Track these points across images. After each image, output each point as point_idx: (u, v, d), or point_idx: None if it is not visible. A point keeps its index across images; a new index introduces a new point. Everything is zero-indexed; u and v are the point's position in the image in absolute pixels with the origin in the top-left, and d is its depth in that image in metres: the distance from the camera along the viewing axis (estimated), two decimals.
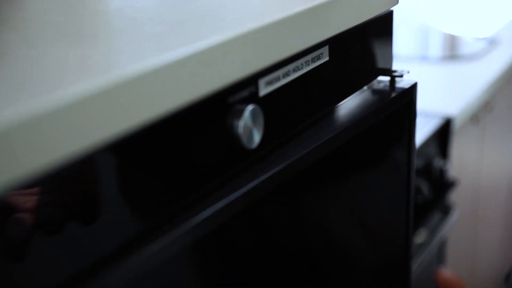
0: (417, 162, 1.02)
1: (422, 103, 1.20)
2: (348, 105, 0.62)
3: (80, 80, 0.33)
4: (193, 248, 0.44)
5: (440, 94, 1.31)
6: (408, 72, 0.66)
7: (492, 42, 1.65)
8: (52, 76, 0.35)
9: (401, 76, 0.66)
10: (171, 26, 0.46)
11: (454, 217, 1.09)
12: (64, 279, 0.35)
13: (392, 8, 0.65)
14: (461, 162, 1.27)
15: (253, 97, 0.48)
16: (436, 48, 1.77)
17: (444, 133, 1.11)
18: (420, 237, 1.00)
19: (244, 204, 0.47)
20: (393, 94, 0.66)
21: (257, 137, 0.48)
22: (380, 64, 0.66)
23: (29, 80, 0.34)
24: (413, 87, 0.67)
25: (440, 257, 1.12)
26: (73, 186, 0.35)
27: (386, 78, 0.67)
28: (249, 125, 0.47)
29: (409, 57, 1.60)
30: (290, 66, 0.52)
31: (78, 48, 0.40)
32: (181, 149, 0.42)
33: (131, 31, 0.45)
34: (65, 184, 0.34)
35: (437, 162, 1.09)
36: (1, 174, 0.29)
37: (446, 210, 1.08)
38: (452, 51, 1.71)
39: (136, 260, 0.38)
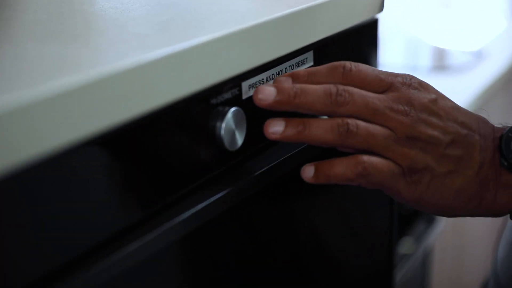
0: None
1: None
2: None
3: (59, 77, 0.32)
4: (175, 247, 0.44)
5: None
6: None
7: (479, 55, 1.66)
8: (32, 72, 0.35)
9: None
10: (155, 27, 0.46)
11: (440, 226, 1.09)
12: (48, 271, 0.34)
13: (377, 16, 0.65)
14: None
15: (236, 100, 0.48)
16: (425, 58, 1.78)
17: None
18: (405, 246, 1.00)
19: (227, 206, 0.47)
20: None
21: (239, 140, 0.48)
22: None
23: (7, 76, 0.34)
24: None
25: (425, 266, 1.13)
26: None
27: None
28: (231, 127, 0.47)
29: (399, 67, 1.61)
30: (274, 70, 0.52)
31: (59, 46, 0.40)
32: (164, 148, 0.42)
33: (114, 31, 0.45)
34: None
35: None
36: None
37: (431, 220, 1.08)
38: (441, 61, 1.72)
39: (117, 256, 0.38)
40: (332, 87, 0.49)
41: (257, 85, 0.50)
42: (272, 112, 0.53)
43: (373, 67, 0.52)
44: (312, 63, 0.56)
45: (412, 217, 1.03)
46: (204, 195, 0.46)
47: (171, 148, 0.43)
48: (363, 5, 0.61)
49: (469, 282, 1.56)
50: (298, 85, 0.48)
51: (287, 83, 0.48)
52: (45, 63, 0.37)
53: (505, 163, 0.52)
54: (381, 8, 0.64)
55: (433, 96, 0.51)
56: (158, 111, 0.40)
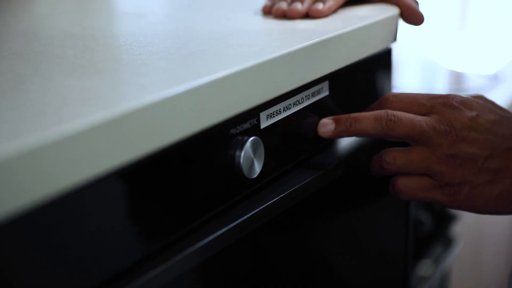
0: None
1: None
2: (348, 138, 0.64)
3: (87, 112, 0.35)
4: (194, 272, 0.46)
5: None
6: None
7: (495, 78, 1.67)
8: (59, 106, 0.37)
9: None
10: (177, 61, 0.48)
11: (458, 249, 1.10)
12: None
13: (391, 46, 0.67)
14: None
15: (255, 129, 0.50)
16: (442, 82, 1.79)
17: None
18: (423, 268, 1.01)
19: (245, 232, 0.49)
20: None
21: (257, 168, 0.50)
22: (380, 97, 0.68)
23: (37, 111, 0.36)
24: None
25: None
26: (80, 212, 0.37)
27: None
28: (250, 156, 0.49)
29: (416, 90, 1.62)
30: (291, 100, 0.54)
31: (85, 81, 0.43)
32: (185, 177, 0.44)
33: (137, 65, 0.47)
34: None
35: None
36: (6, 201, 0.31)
37: (448, 243, 1.09)
38: (458, 84, 1.73)
39: (140, 282, 0.40)
40: (382, 113, 0.55)
41: (274, 115, 0.52)
42: (288, 142, 0.55)
43: (414, 93, 0.58)
44: (327, 93, 0.58)
45: (429, 240, 1.04)
46: (223, 222, 0.47)
47: (193, 176, 0.45)
48: (377, 36, 0.63)
49: None
50: (352, 115, 0.56)
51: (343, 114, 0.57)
52: (71, 97, 0.39)
53: None
54: (394, 38, 0.66)
55: (474, 113, 0.56)
56: (180, 142, 0.42)
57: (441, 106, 0.56)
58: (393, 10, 0.65)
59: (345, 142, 0.63)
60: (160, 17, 0.73)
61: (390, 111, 0.55)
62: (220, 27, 0.62)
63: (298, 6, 0.62)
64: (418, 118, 0.55)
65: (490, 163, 0.55)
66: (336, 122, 0.56)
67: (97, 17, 0.73)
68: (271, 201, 0.51)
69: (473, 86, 1.63)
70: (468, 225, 1.28)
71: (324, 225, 0.63)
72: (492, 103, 0.59)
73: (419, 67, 1.88)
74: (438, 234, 1.07)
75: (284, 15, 0.63)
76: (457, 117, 0.55)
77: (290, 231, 0.58)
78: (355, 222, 0.67)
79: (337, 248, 0.66)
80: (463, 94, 0.59)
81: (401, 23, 0.67)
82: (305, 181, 0.54)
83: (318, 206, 0.61)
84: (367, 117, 0.55)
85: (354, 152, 0.62)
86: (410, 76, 1.80)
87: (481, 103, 0.57)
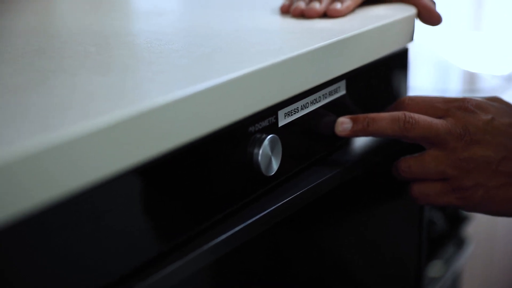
0: None
1: None
2: (364, 137, 0.64)
3: (111, 109, 0.35)
4: (212, 267, 0.47)
5: None
6: None
7: (510, 79, 1.67)
8: (88, 102, 0.38)
9: None
10: (196, 59, 0.49)
11: (469, 250, 1.10)
12: None
13: (407, 45, 0.68)
14: None
15: (273, 127, 0.50)
16: (456, 82, 1.79)
17: None
18: (434, 269, 1.01)
19: (262, 228, 0.49)
20: None
21: (275, 165, 0.50)
22: (396, 96, 0.68)
23: (64, 107, 0.37)
24: None
25: None
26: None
27: None
28: (268, 154, 0.49)
29: (430, 90, 1.62)
30: (309, 99, 0.54)
31: (108, 78, 0.43)
32: (204, 174, 0.45)
33: (159, 63, 0.48)
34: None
35: None
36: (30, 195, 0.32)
37: (460, 243, 1.09)
38: (472, 85, 1.73)
39: (159, 277, 0.41)
40: (400, 114, 0.56)
41: (292, 113, 0.52)
42: (306, 140, 0.55)
43: (430, 96, 0.59)
44: (344, 92, 0.59)
45: (441, 240, 1.04)
46: (241, 218, 0.48)
47: (212, 173, 0.45)
48: (394, 36, 0.63)
49: None
50: (370, 115, 0.56)
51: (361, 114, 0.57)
52: (96, 93, 0.40)
53: None
54: (411, 38, 0.66)
55: (489, 116, 0.56)
56: (199, 140, 0.43)
57: (457, 109, 0.57)
58: (411, 10, 0.65)
59: (362, 141, 0.64)
60: (177, 15, 0.74)
61: (407, 113, 0.56)
62: (238, 25, 0.62)
63: (316, 5, 0.63)
64: (434, 121, 0.56)
65: (505, 166, 0.56)
66: (354, 121, 0.57)
67: (116, 15, 0.73)
68: (288, 199, 0.51)
69: (487, 86, 1.63)
70: (480, 225, 1.28)
71: (338, 224, 0.63)
72: (508, 105, 0.59)
73: (433, 67, 1.88)
74: (450, 235, 1.07)
75: (302, 14, 0.64)
76: (472, 121, 0.56)
77: (304, 229, 0.59)
78: (368, 222, 0.68)
79: (350, 248, 0.66)
80: (479, 96, 0.60)
81: (418, 23, 0.67)
82: (321, 179, 0.55)
83: (333, 205, 0.61)
84: (384, 118, 0.56)
85: (371, 151, 0.62)
86: (424, 76, 1.80)
87: (496, 105, 0.58)
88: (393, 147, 0.66)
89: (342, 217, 0.64)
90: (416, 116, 0.56)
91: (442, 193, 0.57)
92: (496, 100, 0.59)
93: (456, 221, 1.09)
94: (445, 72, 1.85)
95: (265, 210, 0.49)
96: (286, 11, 0.66)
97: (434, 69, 1.87)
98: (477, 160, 0.55)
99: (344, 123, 0.57)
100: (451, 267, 1.04)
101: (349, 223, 0.65)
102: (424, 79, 1.78)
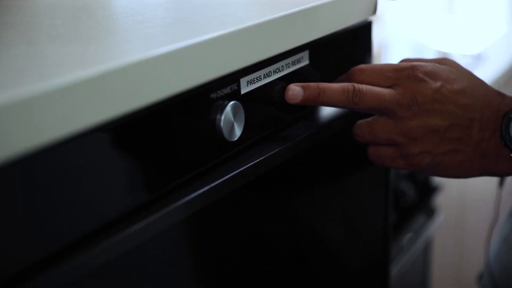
0: None
1: None
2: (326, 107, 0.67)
3: (67, 71, 0.37)
4: (176, 230, 0.49)
5: None
6: None
7: (479, 58, 1.71)
8: (45, 67, 0.39)
9: None
10: (159, 28, 0.50)
11: (439, 219, 1.13)
12: (58, 246, 0.39)
13: (370, 19, 0.70)
14: None
15: (235, 94, 0.52)
16: None
17: None
18: (404, 238, 1.04)
19: (225, 191, 0.51)
20: None
21: (238, 131, 0.52)
22: None
23: (21, 71, 0.39)
24: None
25: (425, 258, 1.16)
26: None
27: None
28: (230, 119, 0.51)
29: None
30: (271, 68, 0.56)
31: (70, 47, 0.45)
32: (166, 138, 0.46)
33: (121, 33, 0.49)
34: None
35: None
36: None
37: (430, 213, 1.12)
38: None
39: (121, 237, 0.43)
40: (349, 86, 0.57)
41: (255, 81, 0.54)
42: (269, 108, 0.57)
43: (381, 64, 0.60)
44: (307, 62, 0.61)
45: (412, 210, 1.07)
46: (205, 182, 0.50)
47: (175, 137, 0.47)
48: (356, 7, 0.65)
49: (470, 273, 1.60)
50: (321, 85, 0.57)
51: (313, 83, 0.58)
52: (54, 60, 0.42)
53: (503, 142, 0.57)
54: (374, 11, 0.68)
55: (438, 84, 0.57)
56: (162, 103, 0.44)
57: (406, 78, 0.57)
58: None
59: (325, 110, 0.66)
60: None
61: (356, 85, 0.57)
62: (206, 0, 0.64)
63: None
64: (382, 92, 0.57)
65: (452, 133, 0.57)
66: (305, 89, 0.57)
67: None
68: (251, 163, 0.53)
69: None
70: (450, 194, 1.31)
71: (305, 191, 0.65)
72: (458, 67, 0.60)
73: (408, 47, 1.91)
74: (421, 205, 1.10)
75: None
76: (420, 90, 0.57)
77: (275, 195, 0.61)
78: (337, 188, 0.70)
79: (319, 215, 0.69)
80: (429, 60, 0.61)
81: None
82: (283, 146, 0.57)
83: (301, 172, 0.63)
84: (335, 89, 0.57)
85: (333, 119, 0.64)
86: (398, 56, 1.83)
87: (446, 70, 0.58)
88: (357, 112, 0.68)
89: (310, 183, 0.66)
90: (364, 88, 0.57)
91: (392, 157, 0.59)
92: (446, 63, 0.60)
93: (426, 192, 1.12)
94: (419, 52, 1.87)
95: (229, 174, 0.51)
96: None
97: (409, 50, 1.90)
98: (424, 128, 0.57)
99: (295, 91, 0.56)
100: (422, 236, 1.07)
101: (317, 188, 0.67)
102: (399, 59, 1.81)
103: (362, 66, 0.60)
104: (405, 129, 0.57)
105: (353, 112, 0.66)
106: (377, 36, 1.85)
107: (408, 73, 0.58)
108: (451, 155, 0.58)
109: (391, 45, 1.88)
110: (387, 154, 0.59)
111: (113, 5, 0.64)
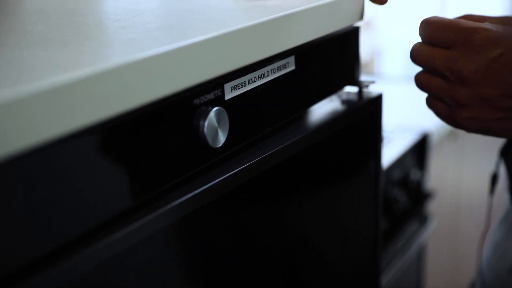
0: (394, 174, 1.06)
1: (403, 119, 1.24)
2: (314, 112, 0.66)
3: (44, 76, 0.36)
4: (160, 237, 0.48)
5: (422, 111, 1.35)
6: (374, 82, 0.70)
7: None
8: (22, 72, 0.39)
9: (367, 86, 0.70)
10: (141, 34, 0.50)
11: (432, 226, 1.12)
12: (46, 251, 0.38)
13: (358, 24, 0.69)
14: (439, 174, 1.31)
15: (219, 100, 0.52)
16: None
17: (422, 147, 1.15)
18: (397, 245, 1.04)
19: (209, 199, 0.51)
20: (360, 103, 0.70)
21: (222, 138, 0.52)
22: (347, 75, 0.70)
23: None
24: (379, 97, 0.71)
25: (419, 265, 1.16)
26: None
27: (354, 89, 0.72)
28: (214, 125, 0.51)
29: (398, 77, 1.65)
30: (256, 73, 0.56)
31: (50, 52, 0.44)
32: (149, 144, 0.46)
33: (102, 38, 0.49)
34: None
35: (415, 173, 1.13)
36: None
37: (423, 220, 1.11)
38: None
39: (102, 246, 0.42)
40: (412, 47, 0.62)
41: (239, 87, 0.54)
42: (254, 114, 0.56)
43: (448, 20, 0.60)
44: (293, 67, 0.60)
45: (405, 217, 1.07)
46: (188, 189, 0.49)
47: (158, 143, 0.47)
48: (343, 12, 0.65)
49: (464, 279, 1.59)
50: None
51: None
52: (33, 65, 0.41)
53: None
54: (361, 16, 0.68)
55: (498, 52, 0.55)
56: (144, 108, 0.44)
57: (463, 43, 0.57)
58: None
59: (312, 117, 0.65)
60: None
61: (416, 47, 0.61)
62: (190, 5, 0.64)
63: None
64: (432, 54, 0.59)
65: (503, 102, 0.57)
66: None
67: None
68: (235, 170, 0.53)
69: None
70: (444, 204, 1.31)
71: (295, 198, 0.65)
72: None
73: (401, 54, 1.90)
74: (413, 212, 1.10)
75: None
76: (475, 58, 0.56)
77: (261, 202, 0.60)
78: (328, 196, 0.69)
79: (308, 222, 0.68)
80: (496, 20, 0.59)
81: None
82: (269, 152, 0.56)
83: (289, 180, 0.63)
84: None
85: (321, 125, 0.64)
86: (391, 62, 1.83)
87: (510, 38, 0.56)
88: (345, 121, 0.67)
89: (300, 190, 0.65)
90: (419, 48, 0.60)
91: (444, 116, 0.61)
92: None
93: (419, 198, 1.11)
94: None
95: (212, 181, 0.51)
96: None
97: (403, 56, 1.90)
98: (474, 96, 0.57)
99: None
100: (415, 243, 1.06)
101: (308, 196, 0.66)
102: (392, 66, 1.81)
103: (431, 18, 0.60)
104: (454, 94, 0.58)
105: (339, 117, 0.66)
106: (370, 42, 1.85)
107: (467, 37, 0.57)
108: (500, 122, 0.58)
109: (384, 51, 1.88)
110: (439, 111, 0.61)
111: (97, 11, 0.64)
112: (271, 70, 0.57)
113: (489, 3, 2.07)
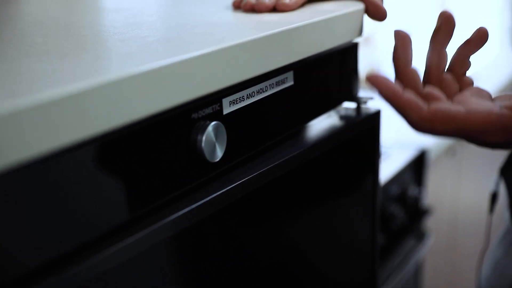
0: (392, 190, 1.06)
1: (401, 135, 1.24)
2: (312, 128, 0.66)
3: (40, 89, 0.36)
4: (157, 250, 0.48)
5: None
6: (373, 98, 0.70)
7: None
8: (19, 84, 0.39)
9: (365, 102, 0.70)
10: (139, 47, 0.50)
11: (430, 242, 1.12)
12: (43, 262, 0.38)
13: (356, 40, 0.69)
14: (437, 190, 1.31)
15: (217, 115, 0.52)
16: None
17: (419, 163, 1.16)
18: (395, 261, 1.03)
19: (206, 214, 0.50)
20: (358, 119, 0.70)
21: (219, 152, 0.52)
22: (345, 91, 0.70)
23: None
24: (377, 113, 0.71)
25: (416, 281, 1.15)
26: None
27: (353, 105, 0.71)
28: (212, 140, 0.50)
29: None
30: (255, 88, 0.56)
31: (48, 64, 0.44)
32: (147, 158, 0.46)
33: (101, 51, 0.49)
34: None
35: (412, 189, 1.13)
36: None
37: (420, 236, 1.11)
38: None
39: (96, 260, 0.42)
40: None
41: (237, 102, 0.54)
42: (252, 129, 0.56)
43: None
44: (292, 83, 0.60)
45: (402, 233, 1.06)
46: (186, 203, 0.49)
47: (156, 157, 0.46)
48: (342, 28, 0.65)
49: None
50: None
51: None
52: (30, 76, 0.41)
53: None
54: (359, 33, 0.68)
55: None
56: (142, 122, 0.44)
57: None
58: (358, 5, 0.67)
59: (310, 132, 0.65)
60: (134, 12, 0.75)
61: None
62: (188, 19, 0.64)
63: (266, 0, 0.64)
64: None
65: None
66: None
67: (75, 12, 0.74)
68: (232, 185, 0.53)
69: None
70: (441, 220, 1.31)
71: (292, 213, 0.64)
72: None
73: None
74: (411, 228, 1.09)
75: (253, 9, 0.65)
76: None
77: (258, 217, 0.60)
78: (325, 211, 0.69)
79: (305, 237, 0.68)
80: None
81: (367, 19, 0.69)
82: (266, 168, 0.56)
83: (287, 194, 0.62)
84: None
85: (319, 141, 0.64)
86: (391, 71, 1.83)
87: None
88: (343, 136, 0.67)
89: (298, 206, 0.65)
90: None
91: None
92: None
93: (416, 215, 1.11)
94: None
95: (210, 196, 0.51)
96: (237, 6, 0.67)
97: None
98: None
99: None
100: (412, 259, 1.06)
101: (305, 211, 0.66)
102: (391, 75, 1.81)
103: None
104: None
105: (337, 133, 0.66)
106: (369, 58, 1.86)
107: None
108: None
109: (383, 67, 1.88)
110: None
111: (96, 24, 0.64)
112: (269, 85, 0.57)
113: (489, 3, 2.08)
